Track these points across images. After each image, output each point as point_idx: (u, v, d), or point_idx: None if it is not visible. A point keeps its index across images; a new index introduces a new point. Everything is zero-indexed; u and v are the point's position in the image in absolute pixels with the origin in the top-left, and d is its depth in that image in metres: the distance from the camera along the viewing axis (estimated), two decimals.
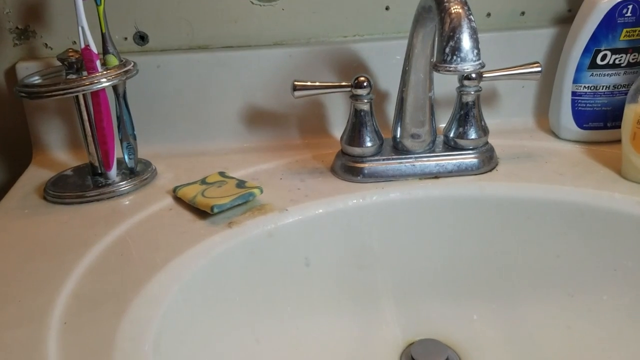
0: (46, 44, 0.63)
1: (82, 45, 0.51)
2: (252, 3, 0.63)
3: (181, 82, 0.64)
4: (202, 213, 0.53)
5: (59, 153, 0.66)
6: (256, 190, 0.54)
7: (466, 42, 0.39)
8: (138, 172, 0.59)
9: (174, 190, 0.56)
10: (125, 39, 0.63)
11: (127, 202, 0.56)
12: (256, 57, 0.64)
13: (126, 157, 0.58)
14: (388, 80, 0.65)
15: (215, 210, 0.51)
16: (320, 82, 0.57)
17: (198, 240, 0.49)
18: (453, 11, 0.40)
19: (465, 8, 0.40)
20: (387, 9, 0.64)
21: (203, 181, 0.58)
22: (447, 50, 0.40)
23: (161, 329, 0.41)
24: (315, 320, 0.55)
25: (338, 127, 0.68)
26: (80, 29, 0.50)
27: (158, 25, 0.63)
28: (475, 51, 0.40)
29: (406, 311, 0.57)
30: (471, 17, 0.40)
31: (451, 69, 0.39)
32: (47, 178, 0.61)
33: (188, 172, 0.61)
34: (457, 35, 0.39)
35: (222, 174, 0.59)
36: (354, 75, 0.65)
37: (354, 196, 0.56)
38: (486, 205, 0.56)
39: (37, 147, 0.65)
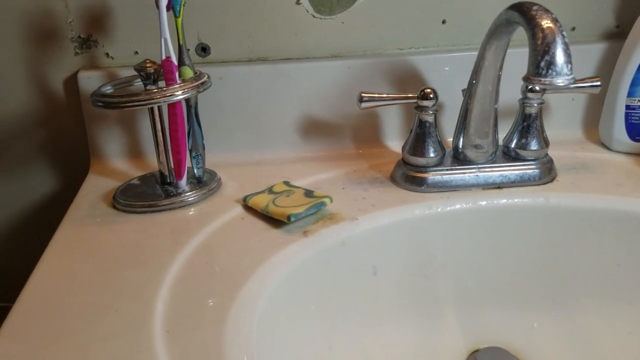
0: (107, 53, 0.63)
1: (163, 57, 0.51)
2: (314, 17, 0.64)
3: (241, 93, 0.65)
4: (274, 222, 0.54)
5: (117, 162, 0.66)
6: (327, 200, 0.55)
7: (560, 56, 0.41)
8: (205, 182, 0.59)
9: (244, 199, 0.57)
10: (188, 49, 0.64)
11: (198, 211, 0.56)
12: (315, 69, 0.65)
13: (194, 166, 0.59)
14: (440, 92, 0.66)
15: (292, 219, 0.52)
16: (386, 94, 0.58)
17: (278, 249, 0.50)
18: (545, 26, 0.41)
19: (558, 23, 0.42)
20: (443, 22, 0.66)
21: (270, 190, 0.58)
22: (542, 64, 0.41)
23: (258, 337, 0.41)
24: (381, 327, 0.56)
25: (391, 137, 0.69)
26: (163, 40, 0.51)
27: (220, 37, 0.64)
28: (569, 66, 0.41)
29: (468, 319, 0.58)
30: (564, 32, 0.41)
31: (546, 82, 0.41)
32: (109, 187, 0.61)
33: (251, 181, 0.62)
34: (552, 50, 0.41)
35: (287, 183, 0.60)
36: (409, 87, 0.67)
37: (420, 206, 0.57)
38: (550, 215, 0.57)
39: (95, 155, 0.66)
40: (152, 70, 0.53)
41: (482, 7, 0.66)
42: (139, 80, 0.57)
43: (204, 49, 0.64)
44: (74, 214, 0.56)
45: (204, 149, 0.59)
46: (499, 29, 0.50)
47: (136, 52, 0.63)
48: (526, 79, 0.42)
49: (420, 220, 0.56)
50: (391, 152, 0.69)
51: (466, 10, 0.65)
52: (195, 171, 0.59)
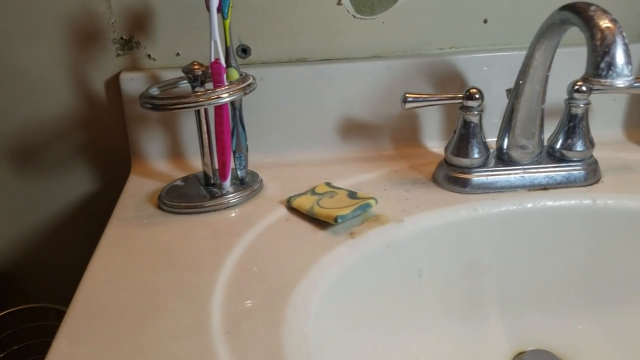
0: (149, 54, 0.63)
1: (212, 59, 0.51)
2: (354, 17, 0.63)
3: (281, 93, 0.65)
4: (319, 223, 0.54)
5: (158, 163, 0.66)
6: (372, 201, 0.55)
7: (621, 57, 0.40)
8: (248, 183, 0.59)
9: (288, 200, 0.57)
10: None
11: (243, 213, 0.56)
12: (355, 70, 0.65)
13: (237, 167, 0.59)
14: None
15: (340, 220, 0.52)
16: (430, 94, 0.58)
17: (326, 251, 0.50)
18: (604, 26, 0.41)
19: (617, 24, 0.41)
20: (485, 22, 0.65)
21: (313, 192, 0.58)
22: (602, 65, 0.40)
23: (313, 339, 0.41)
24: (425, 329, 0.56)
25: (430, 138, 0.69)
26: (212, 42, 0.51)
27: (261, 38, 0.64)
28: (630, 67, 0.40)
29: (513, 322, 0.58)
30: (623, 33, 0.41)
31: (607, 83, 0.40)
32: (152, 188, 0.61)
33: (291, 182, 0.62)
34: (612, 51, 0.40)
35: (329, 184, 0.60)
36: (449, 87, 0.66)
37: (466, 207, 0.56)
38: (597, 217, 0.56)
39: (136, 156, 0.66)
40: (200, 72, 0.53)
41: (525, 7, 0.65)
42: (185, 82, 0.57)
43: (244, 50, 0.64)
44: (120, 214, 0.56)
45: (247, 150, 0.59)
46: (551, 29, 0.49)
47: (177, 54, 0.64)
48: (585, 79, 0.42)
49: (465, 222, 0.56)
50: (430, 152, 0.68)
51: (509, 10, 0.65)
52: (238, 172, 0.59)
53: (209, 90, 0.52)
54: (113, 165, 0.68)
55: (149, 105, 0.52)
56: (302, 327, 0.41)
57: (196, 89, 0.54)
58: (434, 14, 0.65)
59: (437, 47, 0.66)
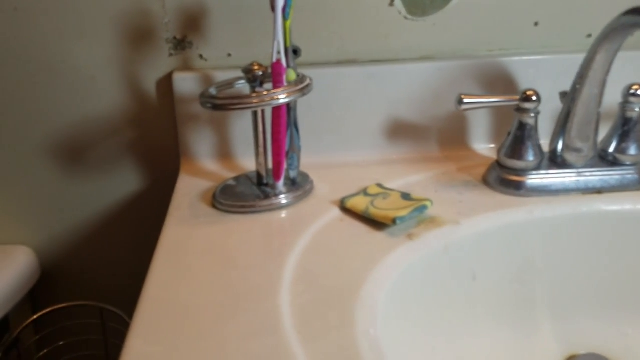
0: (201, 55, 0.64)
1: (274, 59, 0.52)
2: (405, 18, 0.64)
3: (329, 95, 0.65)
4: (375, 224, 0.54)
5: (206, 162, 0.67)
6: (428, 203, 0.55)
7: None
8: (299, 183, 0.59)
9: (342, 201, 0.57)
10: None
11: (297, 213, 0.56)
12: (404, 71, 0.65)
13: (289, 168, 0.59)
14: None
15: (398, 222, 0.52)
16: (486, 95, 0.58)
17: (386, 252, 0.50)
18: None
19: None
20: (536, 24, 0.65)
21: (366, 193, 0.58)
22: None
23: (383, 340, 0.42)
24: (477, 332, 0.56)
25: (477, 140, 0.69)
26: (275, 43, 0.51)
27: (311, 39, 0.64)
28: None
29: (565, 325, 0.58)
30: None
31: None
32: (203, 187, 0.62)
33: (341, 183, 0.62)
34: None
35: (380, 185, 0.60)
36: (497, 89, 0.66)
37: (521, 211, 0.56)
38: None
39: (185, 156, 0.66)
40: (260, 73, 0.53)
41: (577, 10, 0.65)
42: (241, 82, 0.57)
43: (295, 51, 0.64)
44: (176, 213, 0.57)
45: (299, 150, 0.59)
46: (615, 32, 0.49)
47: (229, 55, 0.64)
48: None
49: (522, 225, 0.56)
50: (477, 155, 0.68)
51: (560, 13, 0.65)
52: (290, 173, 0.59)
53: (270, 90, 0.52)
54: (161, 164, 0.69)
55: (209, 105, 0.52)
56: (373, 329, 0.41)
57: (256, 89, 0.54)
58: (484, 16, 0.65)
59: (487, 48, 0.66)
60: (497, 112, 0.68)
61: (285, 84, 0.53)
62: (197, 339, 0.40)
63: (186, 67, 0.64)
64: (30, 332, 0.74)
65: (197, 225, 0.55)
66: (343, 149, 0.67)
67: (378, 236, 0.52)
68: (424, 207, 0.54)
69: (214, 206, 0.58)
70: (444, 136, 0.68)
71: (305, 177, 0.61)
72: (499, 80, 0.66)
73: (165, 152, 0.69)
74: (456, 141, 0.68)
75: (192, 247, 0.51)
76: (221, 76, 0.63)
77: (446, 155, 0.68)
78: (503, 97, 0.58)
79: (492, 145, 0.69)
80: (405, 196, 0.57)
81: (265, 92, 0.52)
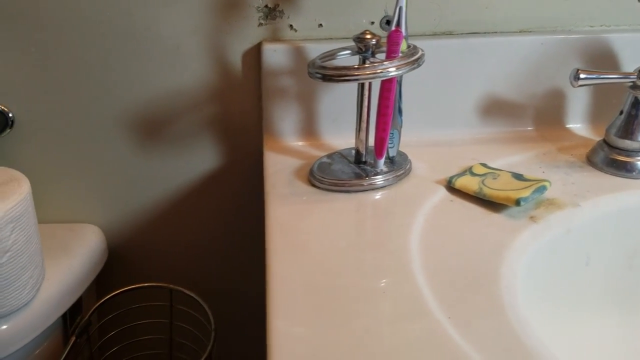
0: (291, 25, 0.60)
1: (393, 27, 0.48)
2: None
3: (422, 68, 0.61)
4: (489, 205, 0.51)
5: (290, 140, 0.63)
6: (547, 183, 0.52)
7: None
8: (398, 162, 0.56)
9: (450, 181, 0.54)
10: (372, 23, 0.61)
11: (402, 192, 0.53)
12: (505, 44, 0.61)
13: (389, 146, 0.56)
14: None
15: (522, 203, 0.49)
16: (602, 71, 0.55)
17: (512, 235, 0.47)
18: None
19: None
20: None
21: (472, 172, 0.55)
22: None
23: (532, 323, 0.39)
24: (587, 318, 0.53)
25: (572, 120, 0.65)
26: (397, 9, 0.48)
27: (407, 9, 0.60)
28: None
29: None
30: None
31: None
32: (293, 165, 0.59)
33: (437, 162, 0.59)
34: None
35: (484, 165, 0.57)
36: (598, 66, 0.63)
37: (638, 194, 0.53)
38: None
39: (269, 132, 0.63)
40: (374, 42, 0.50)
41: None
42: (344, 53, 0.54)
43: (388, 22, 0.60)
44: (274, 191, 0.54)
45: (401, 127, 0.56)
46: None
47: (320, 25, 0.60)
48: None
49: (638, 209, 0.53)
50: (573, 134, 0.65)
51: None
52: (390, 151, 0.56)
53: (384, 61, 0.49)
54: (240, 141, 0.66)
55: (319, 76, 0.49)
56: (521, 312, 0.39)
57: (371, 60, 0.51)
58: None
59: (588, 24, 0.63)
60: (592, 91, 0.65)
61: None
62: (341, 320, 0.37)
63: (275, 38, 0.61)
64: (94, 315, 0.71)
65: (301, 203, 0.52)
66: (435, 126, 0.64)
67: (497, 218, 0.49)
68: (544, 188, 0.51)
69: (312, 184, 0.55)
70: (539, 114, 0.65)
71: (403, 155, 0.58)
72: (600, 57, 0.62)
73: (245, 128, 0.65)
74: (551, 120, 0.65)
75: (303, 226, 0.48)
76: (311, 48, 0.60)
77: (541, 135, 0.65)
78: (619, 73, 0.55)
79: (586, 125, 0.66)
80: (518, 176, 0.54)
81: (380, 63, 0.48)
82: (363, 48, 0.51)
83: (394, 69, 0.49)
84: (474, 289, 0.40)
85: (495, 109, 0.64)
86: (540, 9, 0.62)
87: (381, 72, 0.48)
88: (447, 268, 0.43)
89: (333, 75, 0.49)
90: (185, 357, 0.77)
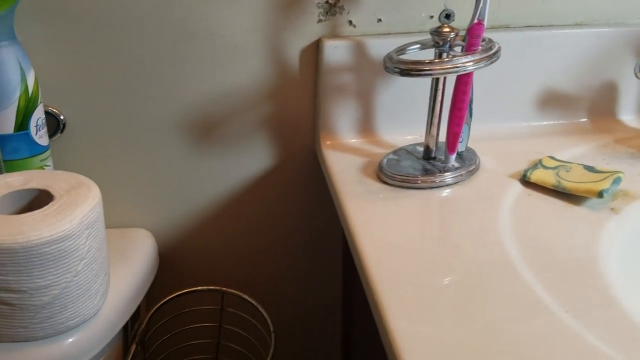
0: (350, 21, 0.59)
1: (476, 19, 0.48)
2: None
3: None
4: (567, 197, 0.51)
5: (347, 137, 0.62)
6: (621, 175, 0.52)
7: None
8: (467, 157, 0.56)
9: (524, 175, 0.54)
10: (431, 17, 0.60)
11: (476, 187, 0.53)
12: (561, 37, 0.61)
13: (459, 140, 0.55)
14: None
15: (605, 195, 0.49)
16: None
17: (599, 226, 0.47)
18: None
19: None
20: None
21: (543, 165, 0.55)
22: None
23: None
24: None
25: (624, 111, 0.66)
26: (481, 1, 0.47)
27: (466, 2, 0.60)
28: None
29: None
30: None
31: None
32: (357, 162, 0.58)
33: (503, 156, 0.58)
34: None
35: (553, 157, 0.57)
36: None
37: None
38: None
39: (325, 130, 0.62)
40: (453, 35, 0.49)
41: None
42: (414, 47, 0.53)
43: (447, 16, 0.60)
44: (347, 190, 0.53)
45: (471, 122, 0.55)
46: None
47: (379, 20, 0.60)
48: None
49: None
50: (627, 126, 0.65)
51: None
52: (459, 145, 0.56)
53: (466, 54, 0.48)
54: (293, 140, 0.65)
55: (397, 70, 0.48)
56: (631, 303, 0.39)
57: (451, 53, 0.50)
58: None
59: (638, 17, 0.63)
60: None
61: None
62: (462, 318, 0.37)
63: (333, 34, 0.60)
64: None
65: (378, 201, 0.51)
66: (491, 118, 0.64)
67: (579, 210, 0.49)
68: (619, 180, 0.51)
69: (382, 181, 0.54)
70: (593, 106, 0.65)
71: (470, 150, 0.57)
72: None
73: (298, 127, 0.64)
74: (604, 111, 0.65)
75: (388, 223, 0.48)
76: (370, 43, 0.59)
77: (596, 126, 0.65)
78: None
79: (638, 116, 0.67)
80: (590, 168, 0.54)
81: (460, 56, 0.48)
82: (441, 42, 0.50)
83: (472, 63, 0.48)
84: (580, 282, 0.40)
85: (551, 101, 0.64)
86: (595, 2, 0.62)
87: (460, 67, 0.48)
88: (548, 262, 0.42)
89: (412, 70, 0.48)
90: None
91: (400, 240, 0.45)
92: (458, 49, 0.51)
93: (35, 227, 0.45)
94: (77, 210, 0.47)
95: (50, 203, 0.48)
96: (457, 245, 0.45)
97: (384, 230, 0.47)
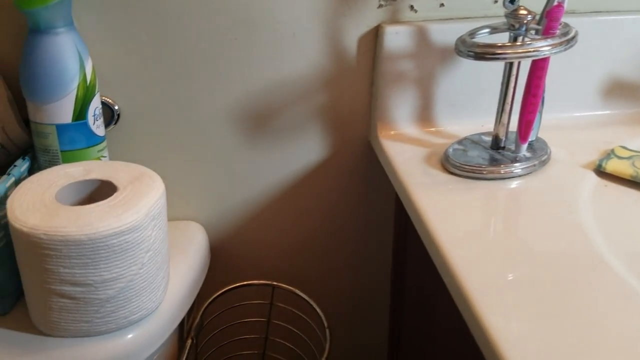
0: (412, 5, 0.57)
1: (555, 2, 0.46)
2: None
3: None
4: None
5: (404, 127, 0.61)
6: None
7: None
8: (536, 147, 0.54)
9: (599, 166, 0.51)
10: (495, 1, 0.58)
11: (549, 178, 0.51)
12: (628, 23, 0.59)
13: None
14: None
15: None
16: None
17: None
18: None
19: None
20: None
21: (617, 155, 0.53)
22: None
23: None
24: None
25: None
26: None
27: None
28: None
29: None
30: None
31: None
32: (419, 152, 0.56)
33: (572, 145, 0.56)
34: None
35: (624, 147, 0.54)
36: None
37: None
38: None
39: (382, 120, 0.60)
40: (530, 18, 0.47)
41: None
42: (483, 31, 0.51)
43: (512, 1, 0.58)
44: (414, 181, 0.51)
45: (542, 110, 0.53)
46: None
47: (442, 5, 0.58)
48: None
49: None
50: None
51: None
52: (530, 134, 0.54)
53: (544, 38, 0.46)
54: (349, 130, 0.63)
55: (472, 54, 0.46)
56: None
57: (529, 37, 0.48)
58: None
59: None
60: None
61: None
62: (559, 314, 0.35)
63: (393, 20, 0.58)
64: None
65: (447, 192, 0.49)
66: (555, 108, 0.61)
67: None
68: None
69: (449, 172, 0.52)
70: None
71: (540, 140, 0.55)
72: None
73: (353, 117, 0.62)
74: None
75: (463, 216, 0.46)
76: (432, 29, 0.57)
77: None
78: None
79: None
80: None
81: (537, 40, 0.46)
82: (517, 24, 0.48)
83: (550, 47, 0.46)
84: None
85: (617, 90, 0.62)
86: None
87: (539, 51, 0.46)
88: (638, 254, 0.41)
89: (487, 54, 0.46)
90: (279, 356, 0.75)
91: (478, 232, 0.43)
92: (531, 32, 0.49)
93: (103, 219, 0.44)
94: (143, 201, 0.46)
95: (115, 194, 0.46)
96: (539, 237, 0.43)
97: (460, 222, 0.45)
